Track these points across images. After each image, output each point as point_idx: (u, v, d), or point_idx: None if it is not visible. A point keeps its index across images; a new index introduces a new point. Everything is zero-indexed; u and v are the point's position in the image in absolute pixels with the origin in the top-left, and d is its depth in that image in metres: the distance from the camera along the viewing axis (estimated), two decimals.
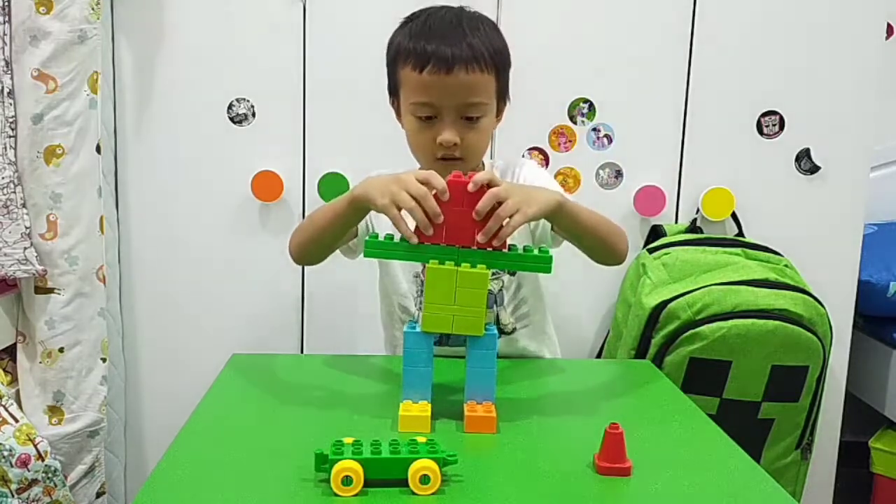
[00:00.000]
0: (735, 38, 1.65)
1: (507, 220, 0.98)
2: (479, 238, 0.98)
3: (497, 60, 1.22)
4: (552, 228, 1.22)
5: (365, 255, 1.03)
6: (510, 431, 0.99)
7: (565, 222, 1.11)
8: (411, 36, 1.21)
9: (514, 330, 1.31)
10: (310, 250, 1.24)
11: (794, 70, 1.67)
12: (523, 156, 1.65)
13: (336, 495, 0.80)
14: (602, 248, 1.17)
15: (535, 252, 1.00)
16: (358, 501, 0.80)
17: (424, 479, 0.81)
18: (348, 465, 0.80)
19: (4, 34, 1.42)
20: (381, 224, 1.30)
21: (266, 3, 1.62)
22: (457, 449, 0.85)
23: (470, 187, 0.97)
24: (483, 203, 0.97)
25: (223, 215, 1.68)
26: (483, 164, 1.29)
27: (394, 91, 1.28)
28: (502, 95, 1.27)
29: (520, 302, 1.31)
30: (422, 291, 0.98)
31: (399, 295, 1.31)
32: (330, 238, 1.20)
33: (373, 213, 1.25)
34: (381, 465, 0.81)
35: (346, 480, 0.80)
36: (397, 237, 1.02)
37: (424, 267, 0.98)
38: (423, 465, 0.81)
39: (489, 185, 0.98)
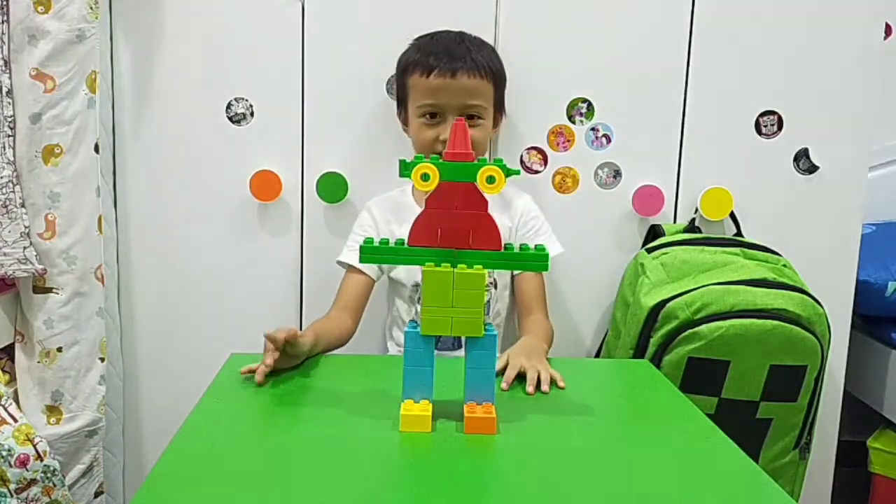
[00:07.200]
0: (733, 38, 1.65)
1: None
2: (529, 388, 1.14)
3: (495, 74, 1.42)
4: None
5: (360, 261, 1.03)
6: (510, 431, 0.99)
7: None
8: (419, 50, 1.41)
9: None
10: None
11: (792, 70, 1.67)
12: (521, 157, 1.65)
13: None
14: None
15: (532, 250, 1.00)
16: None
17: (490, 180, 0.99)
18: (426, 166, 0.99)
19: (3, 33, 1.42)
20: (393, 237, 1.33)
21: (265, 3, 1.62)
22: (457, 450, 0.85)
23: (503, 386, 1.14)
24: (508, 374, 1.16)
25: (222, 215, 1.67)
26: None
27: (402, 101, 1.45)
28: (498, 107, 1.45)
29: (494, 315, 1.46)
30: (419, 299, 0.99)
31: (408, 287, 1.41)
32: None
33: (379, 221, 1.47)
34: (452, 168, 1.00)
35: (425, 177, 0.99)
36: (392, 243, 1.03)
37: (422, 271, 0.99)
38: (489, 169, 0.99)
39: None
